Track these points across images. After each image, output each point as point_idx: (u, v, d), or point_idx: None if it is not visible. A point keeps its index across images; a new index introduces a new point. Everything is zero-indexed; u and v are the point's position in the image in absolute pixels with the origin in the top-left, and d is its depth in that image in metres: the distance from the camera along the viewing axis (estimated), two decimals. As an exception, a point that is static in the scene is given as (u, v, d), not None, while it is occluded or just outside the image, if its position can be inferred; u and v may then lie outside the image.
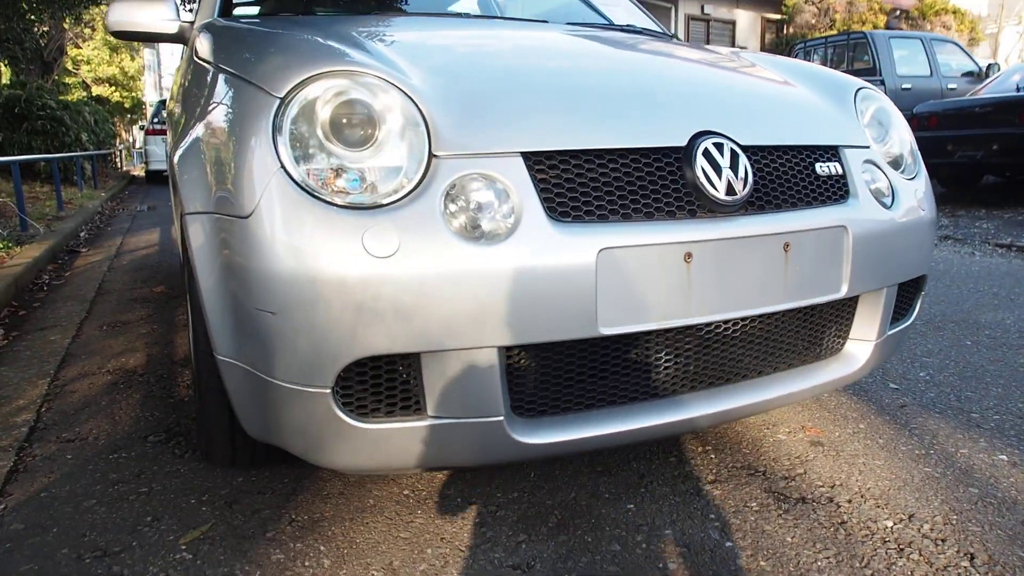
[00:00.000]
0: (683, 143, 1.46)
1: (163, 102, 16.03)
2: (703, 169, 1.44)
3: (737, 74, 1.95)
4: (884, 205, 1.72)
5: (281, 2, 2.55)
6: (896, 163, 1.87)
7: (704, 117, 1.53)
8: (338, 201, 1.27)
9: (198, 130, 1.64)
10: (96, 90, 26.25)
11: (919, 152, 1.98)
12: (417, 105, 1.34)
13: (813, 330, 1.72)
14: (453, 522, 1.59)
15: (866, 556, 1.45)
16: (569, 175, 1.36)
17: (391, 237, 1.24)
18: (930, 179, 1.99)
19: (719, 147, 1.47)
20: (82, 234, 6.91)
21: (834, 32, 12.30)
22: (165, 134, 14.56)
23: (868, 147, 1.80)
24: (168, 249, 5.85)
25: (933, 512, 1.61)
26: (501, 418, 1.35)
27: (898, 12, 15.25)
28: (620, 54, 2.02)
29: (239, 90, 1.48)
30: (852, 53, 9.31)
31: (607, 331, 1.34)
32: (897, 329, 1.89)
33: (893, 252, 1.72)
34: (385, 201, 1.28)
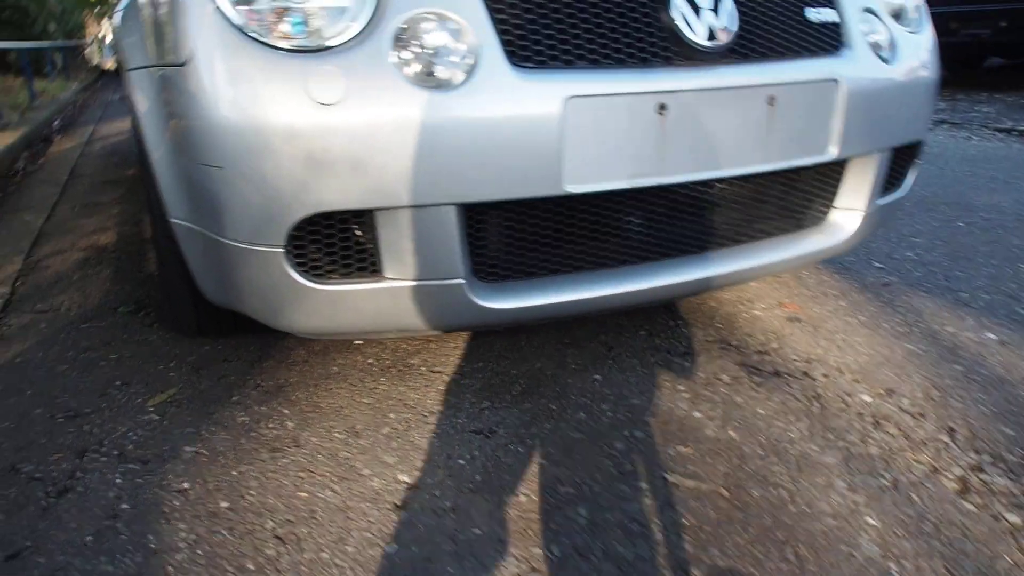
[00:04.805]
0: (660, -18, 1.34)
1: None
2: (681, 10, 1.33)
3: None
4: (882, 59, 1.60)
5: None
6: (898, 14, 1.74)
7: (685, -43, 1.40)
8: (281, 44, 1.17)
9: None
10: (60, -17, 25.11)
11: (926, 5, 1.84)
12: (366, -63, 1.22)
13: (796, 196, 1.65)
14: (416, 389, 1.56)
15: (840, 429, 1.42)
16: (531, 15, 1.25)
17: (337, 82, 1.15)
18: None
19: None
20: (55, 123, 6.72)
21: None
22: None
23: None
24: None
25: (913, 388, 1.57)
26: (462, 280, 1.29)
27: None
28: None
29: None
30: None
31: (573, 189, 1.26)
32: (888, 200, 1.81)
33: (889, 113, 1.61)
34: (330, 43, 1.17)
